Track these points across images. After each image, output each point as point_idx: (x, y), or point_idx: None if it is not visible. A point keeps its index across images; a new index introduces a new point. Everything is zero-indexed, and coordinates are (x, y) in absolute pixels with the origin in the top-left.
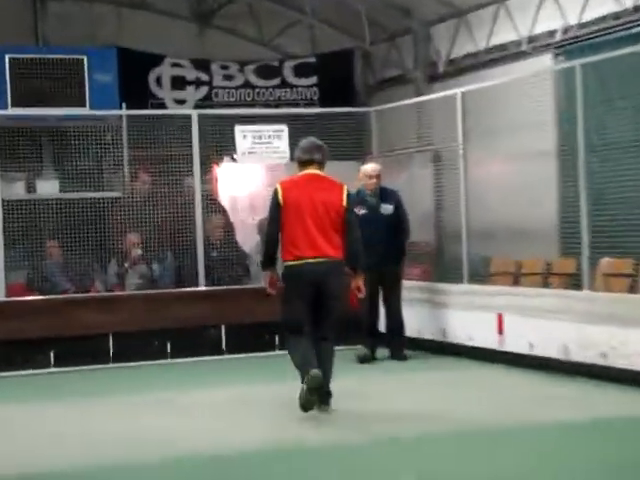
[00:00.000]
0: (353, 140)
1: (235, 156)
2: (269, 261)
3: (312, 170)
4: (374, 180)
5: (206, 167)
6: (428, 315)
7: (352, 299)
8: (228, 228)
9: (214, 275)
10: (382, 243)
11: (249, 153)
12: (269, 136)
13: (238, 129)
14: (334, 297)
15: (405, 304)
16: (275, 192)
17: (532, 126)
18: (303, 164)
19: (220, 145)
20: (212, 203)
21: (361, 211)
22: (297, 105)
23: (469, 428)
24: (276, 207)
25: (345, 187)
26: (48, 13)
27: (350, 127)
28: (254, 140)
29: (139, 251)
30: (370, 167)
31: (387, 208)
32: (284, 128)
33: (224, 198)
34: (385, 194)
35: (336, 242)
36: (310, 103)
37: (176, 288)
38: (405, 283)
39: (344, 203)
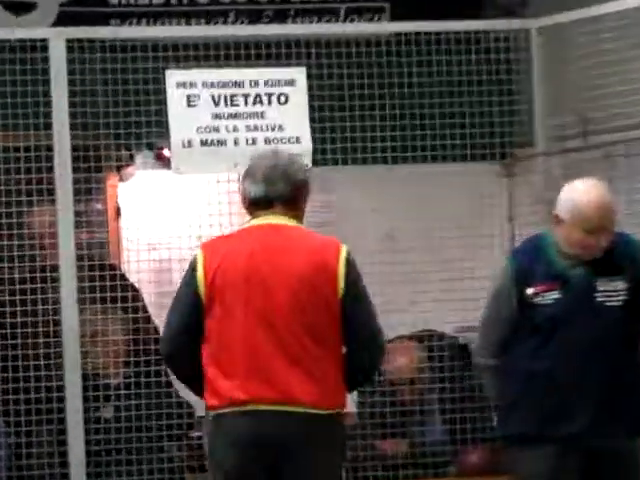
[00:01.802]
0: (483, 109)
1: (166, 151)
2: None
3: (271, 219)
4: (597, 242)
5: (89, 181)
6: None
7: None
8: (146, 340)
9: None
10: (600, 377)
11: (203, 144)
12: (257, 97)
13: (173, 78)
14: None
15: None
16: (193, 264)
17: None
18: (254, 206)
19: (126, 122)
20: (105, 276)
21: (547, 295)
22: (331, 15)
23: None
24: (191, 294)
25: (344, 249)
26: None
27: (475, 72)
28: (216, 108)
29: None
30: (592, 204)
31: (617, 290)
32: (298, 75)
33: (135, 264)
34: (614, 254)
35: (320, 369)
36: (366, 8)
37: None
38: None
39: (341, 282)
